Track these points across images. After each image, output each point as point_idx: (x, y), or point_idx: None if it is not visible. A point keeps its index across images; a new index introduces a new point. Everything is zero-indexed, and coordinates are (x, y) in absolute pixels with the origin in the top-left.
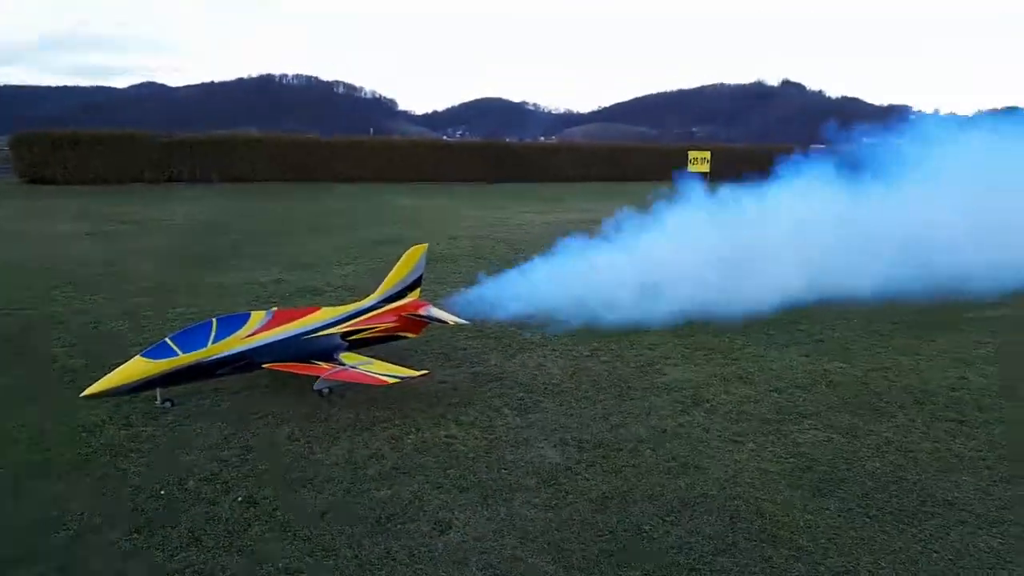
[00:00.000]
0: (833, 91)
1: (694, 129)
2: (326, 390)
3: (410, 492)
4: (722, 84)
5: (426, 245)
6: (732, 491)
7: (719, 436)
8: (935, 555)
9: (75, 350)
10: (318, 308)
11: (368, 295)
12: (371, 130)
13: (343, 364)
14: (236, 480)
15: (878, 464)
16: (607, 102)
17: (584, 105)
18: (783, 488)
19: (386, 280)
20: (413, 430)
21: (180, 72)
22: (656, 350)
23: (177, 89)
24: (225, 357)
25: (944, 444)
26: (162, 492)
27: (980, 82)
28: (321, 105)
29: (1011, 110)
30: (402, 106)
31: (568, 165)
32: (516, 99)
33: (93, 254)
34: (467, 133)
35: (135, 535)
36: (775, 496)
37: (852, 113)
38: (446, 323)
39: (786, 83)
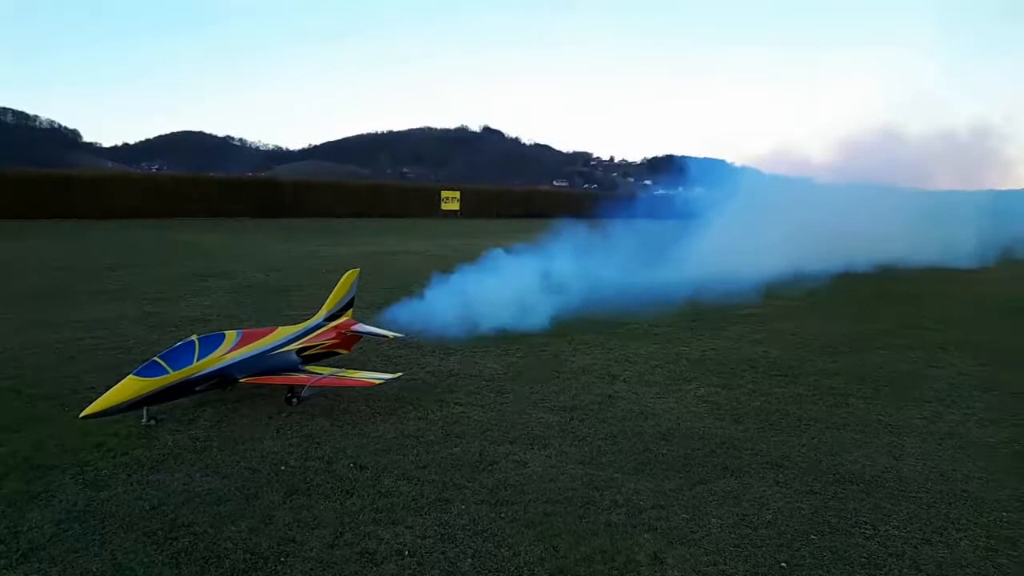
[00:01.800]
0: (527, 138)
1: (405, 170)
2: (295, 399)
3: (475, 448)
4: (429, 128)
5: (358, 270)
6: (686, 425)
7: (648, 395)
8: (814, 446)
9: None
10: (275, 328)
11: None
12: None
13: (319, 374)
14: (330, 454)
15: (757, 403)
16: (318, 140)
17: (294, 142)
18: (712, 420)
19: (327, 301)
20: (430, 411)
21: None
22: (550, 347)
23: None
24: (207, 374)
25: (786, 389)
26: (282, 468)
27: (647, 134)
28: None
29: (667, 157)
30: (87, 137)
31: (334, 202)
32: (220, 133)
33: None
34: (164, 168)
35: (293, 496)
36: (712, 425)
37: (545, 158)
38: (386, 337)
39: (487, 129)
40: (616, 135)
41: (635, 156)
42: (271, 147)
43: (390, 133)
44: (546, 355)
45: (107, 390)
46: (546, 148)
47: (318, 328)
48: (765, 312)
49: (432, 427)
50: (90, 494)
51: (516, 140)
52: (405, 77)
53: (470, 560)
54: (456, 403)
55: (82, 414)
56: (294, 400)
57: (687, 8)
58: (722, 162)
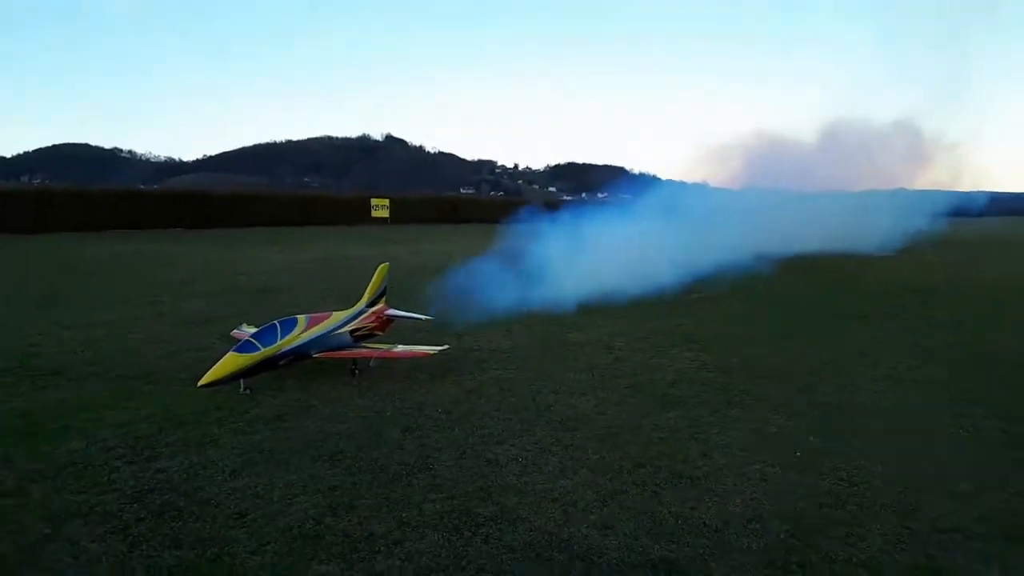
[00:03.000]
0: (431, 146)
1: (306, 179)
2: (357, 370)
3: (528, 397)
4: (329, 137)
5: (388, 264)
6: (686, 376)
7: (644, 359)
8: (789, 388)
9: None
10: (332, 312)
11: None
12: None
13: (381, 347)
14: (416, 405)
15: (735, 360)
16: (213, 150)
17: (187, 153)
18: (705, 373)
19: (367, 292)
20: (475, 375)
21: None
22: (542, 328)
23: None
24: (288, 351)
25: (753, 350)
26: (387, 413)
27: (548, 142)
28: None
29: (569, 165)
30: None
31: (268, 212)
32: (107, 144)
33: None
34: (47, 181)
35: (409, 431)
36: (706, 376)
37: (451, 166)
38: (416, 319)
39: (390, 138)
40: (519, 143)
41: (538, 164)
42: (163, 158)
43: (289, 142)
44: (543, 334)
45: (212, 365)
46: (451, 156)
47: (362, 313)
48: (716, 296)
49: (485, 385)
50: (246, 438)
51: (420, 148)
52: (303, 85)
53: (571, 461)
54: (493, 368)
55: (200, 383)
56: (356, 371)
57: (585, 18)
58: (651, 176)
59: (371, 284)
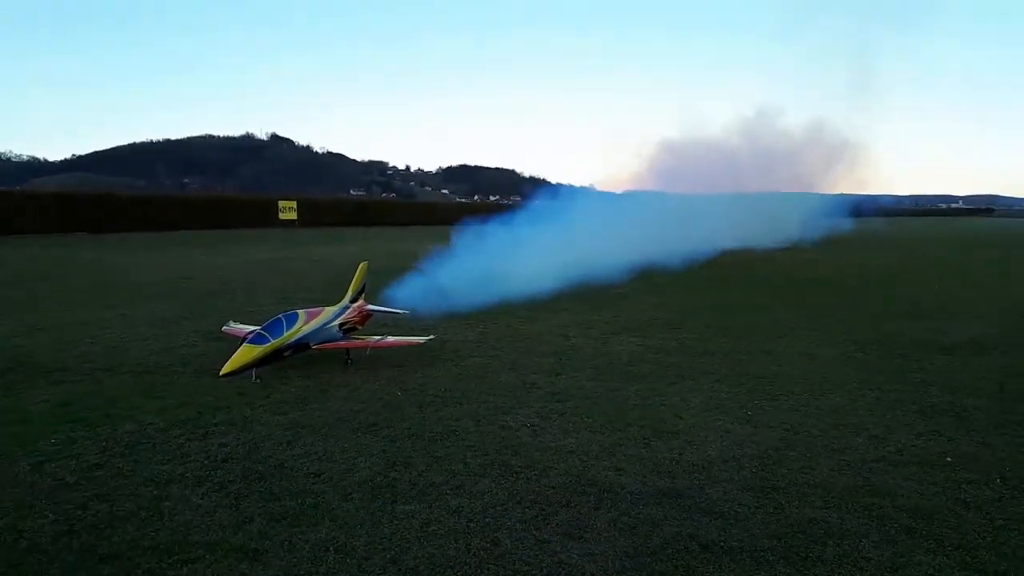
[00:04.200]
0: (319, 146)
1: (186, 180)
2: (350, 360)
3: (511, 378)
4: (211, 136)
5: (367, 262)
6: (637, 357)
7: (597, 344)
8: (726, 364)
9: None
10: (323, 308)
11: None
12: None
13: (374, 338)
14: (418, 387)
15: (673, 343)
16: (82, 150)
17: (53, 152)
18: (652, 354)
19: (350, 287)
20: (456, 362)
21: None
22: (500, 322)
23: None
24: (292, 343)
25: (686, 335)
26: (398, 394)
27: (441, 144)
28: None
29: (461, 167)
30: None
31: (180, 216)
32: None
33: None
34: None
35: (424, 408)
36: (654, 356)
37: (340, 166)
38: (396, 313)
39: (275, 137)
40: (411, 144)
41: (431, 165)
42: (25, 158)
43: (167, 142)
44: (505, 327)
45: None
46: (340, 156)
47: (348, 308)
48: (634, 291)
49: (468, 371)
50: (282, 417)
51: (308, 148)
52: (182, 82)
53: (570, 425)
54: (470, 356)
55: (221, 373)
56: (349, 361)
57: (479, 17)
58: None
59: (353, 281)
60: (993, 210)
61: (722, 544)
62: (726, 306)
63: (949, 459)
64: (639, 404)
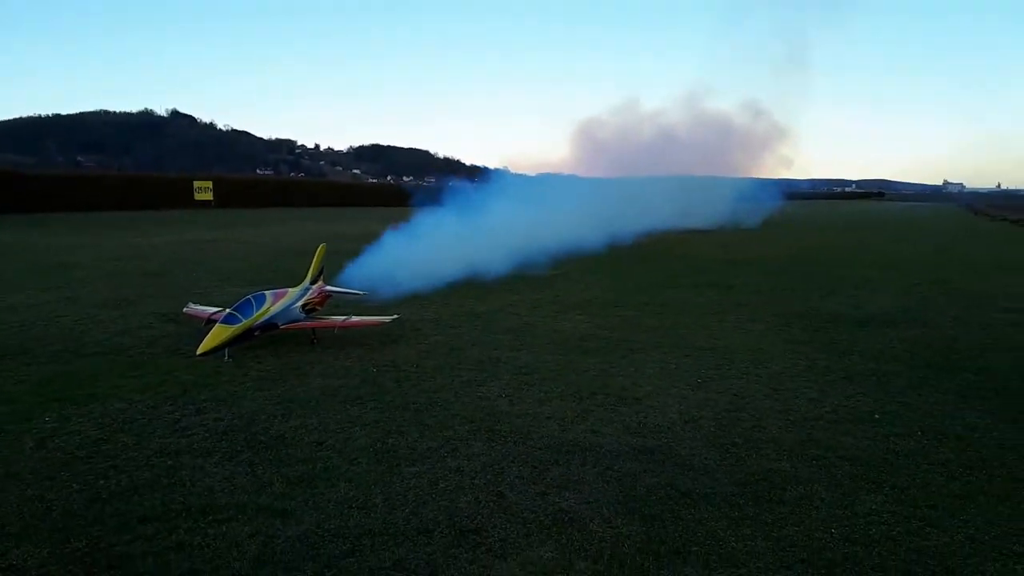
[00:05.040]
0: (223, 123)
1: (80, 158)
2: (316, 340)
3: (476, 353)
4: (106, 111)
5: (325, 244)
6: (588, 334)
7: (550, 321)
8: (669, 337)
9: None
10: (287, 289)
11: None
12: None
13: (340, 318)
14: (390, 363)
15: (617, 320)
16: None
17: None
18: (601, 331)
19: (310, 269)
20: (419, 340)
21: None
22: (454, 303)
23: None
24: (262, 323)
25: (627, 312)
26: (373, 370)
27: (352, 127)
28: None
29: (373, 146)
30: None
31: (93, 197)
32: None
33: None
34: None
35: (402, 381)
36: (602, 333)
37: (246, 144)
38: (356, 294)
39: (176, 114)
40: (319, 123)
41: (341, 145)
42: None
43: (57, 116)
44: (457, 307)
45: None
46: (245, 134)
47: (309, 290)
48: (563, 275)
49: (435, 347)
50: (268, 392)
51: (211, 125)
52: (73, 53)
53: (541, 394)
54: (433, 334)
55: (199, 352)
56: (315, 340)
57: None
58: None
59: (313, 263)
60: (884, 194)
61: (697, 491)
62: (656, 285)
63: (877, 416)
64: (599, 375)
